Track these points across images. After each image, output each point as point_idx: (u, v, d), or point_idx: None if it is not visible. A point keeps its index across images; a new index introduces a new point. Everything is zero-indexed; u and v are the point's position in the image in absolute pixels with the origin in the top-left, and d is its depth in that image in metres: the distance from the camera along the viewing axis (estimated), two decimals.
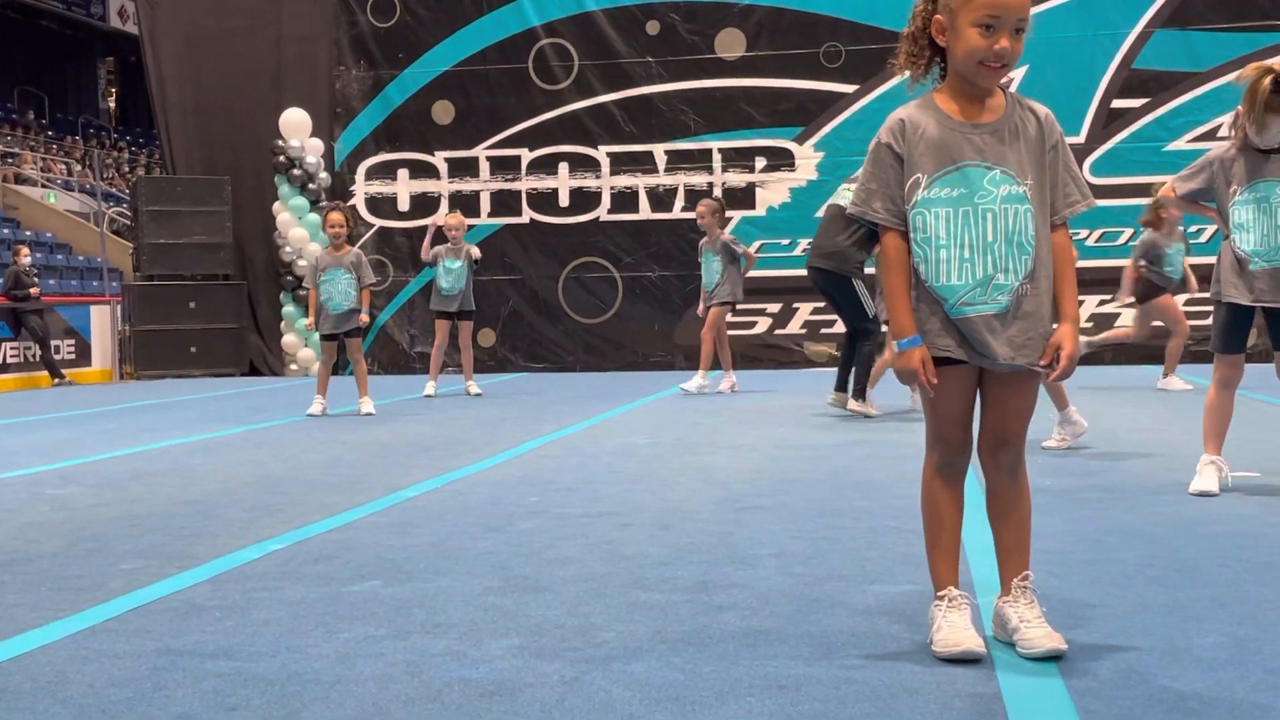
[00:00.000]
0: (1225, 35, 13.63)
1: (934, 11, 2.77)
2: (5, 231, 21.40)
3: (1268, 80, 4.64)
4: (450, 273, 11.14)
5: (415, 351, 15.38)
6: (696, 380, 10.94)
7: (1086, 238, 13.67)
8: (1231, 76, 4.99)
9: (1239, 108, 4.82)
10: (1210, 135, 13.38)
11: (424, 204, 15.49)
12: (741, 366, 14.67)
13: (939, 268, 2.75)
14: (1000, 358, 2.75)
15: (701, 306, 11.07)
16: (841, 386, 8.61)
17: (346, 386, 10.62)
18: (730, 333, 14.94)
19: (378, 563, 3.98)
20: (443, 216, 11.68)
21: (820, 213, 9.98)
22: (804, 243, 14.62)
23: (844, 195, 8.57)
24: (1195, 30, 13.73)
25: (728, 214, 12.88)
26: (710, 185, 14.88)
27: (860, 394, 8.39)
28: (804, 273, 14.27)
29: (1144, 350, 13.90)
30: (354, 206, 15.43)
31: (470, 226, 15.04)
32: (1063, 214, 2.81)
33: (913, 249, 2.78)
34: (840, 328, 13.27)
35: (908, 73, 2.86)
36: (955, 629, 2.77)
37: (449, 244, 11.17)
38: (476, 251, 11.40)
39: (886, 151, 2.79)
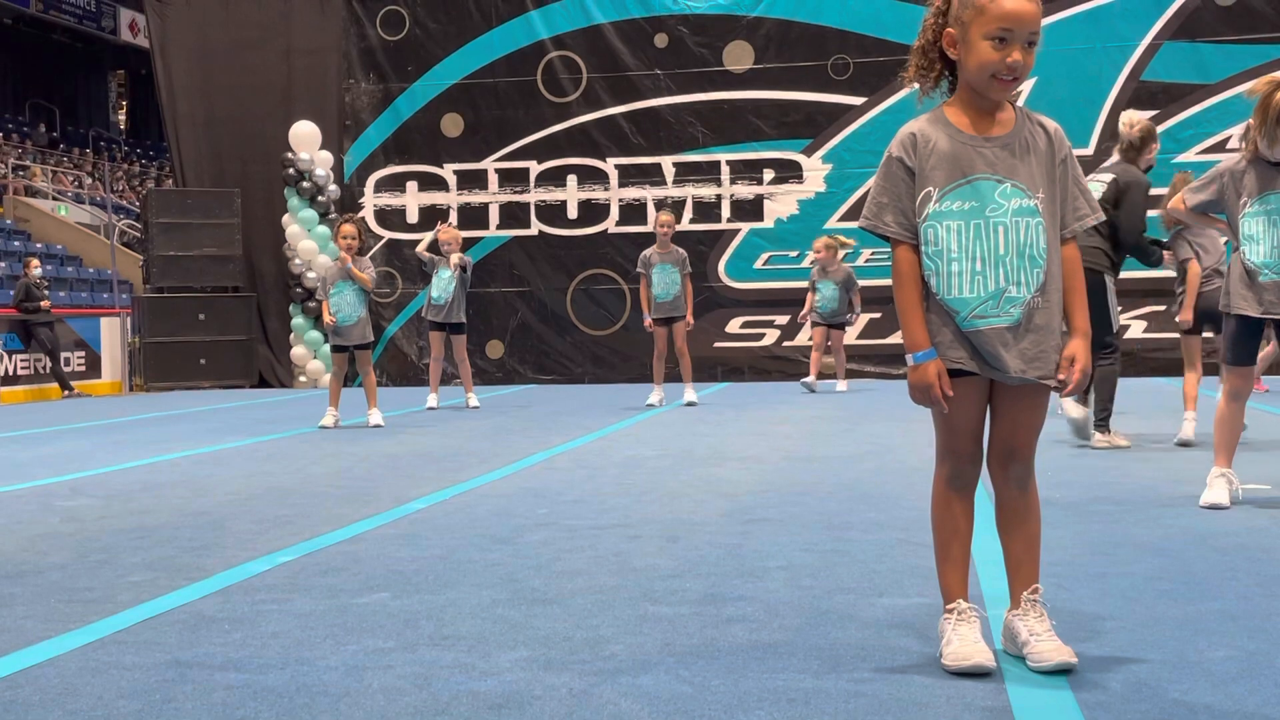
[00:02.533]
0: (1234, 47, 13.63)
1: (945, 25, 2.78)
2: (16, 244, 21.49)
3: None
4: (441, 281, 11.16)
5: (423, 363, 15.37)
6: (690, 394, 11.01)
7: None
8: (1245, 88, 4.99)
9: (1250, 120, 4.82)
10: (1219, 147, 13.37)
11: (433, 216, 15.50)
12: (750, 379, 14.70)
13: (951, 280, 2.75)
14: (1012, 370, 2.75)
15: (650, 319, 10.88)
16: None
17: (357, 398, 10.64)
18: (738, 344, 15.03)
19: (386, 575, 3.98)
20: (445, 227, 11.72)
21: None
22: (811, 255, 14.63)
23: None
24: (1204, 42, 13.72)
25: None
26: (718, 197, 14.90)
27: (1104, 424, 7.05)
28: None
29: (1153, 362, 13.89)
30: (363, 219, 15.48)
31: (479, 239, 15.12)
32: (1072, 227, 2.82)
33: (924, 262, 2.78)
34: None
35: (916, 85, 2.87)
36: (965, 642, 2.77)
37: (443, 255, 11.20)
38: (467, 260, 11.36)
39: (898, 165, 2.80)
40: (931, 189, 2.75)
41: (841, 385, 12.67)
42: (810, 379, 12.57)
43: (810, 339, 13.24)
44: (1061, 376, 2.77)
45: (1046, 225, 2.75)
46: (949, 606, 2.85)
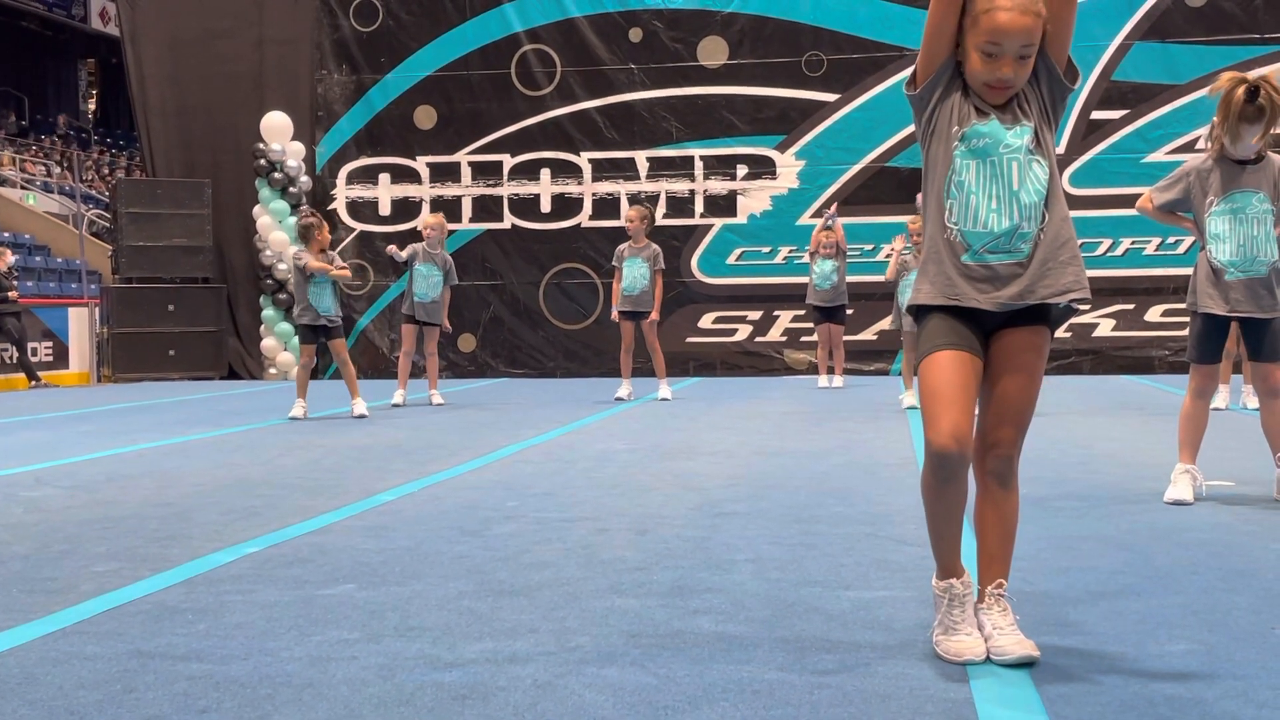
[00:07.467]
0: (1203, 48, 13.73)
1: None
2: None
3: (1241, 90, 4.68)
4: (426, 280, 10.79)
5: (395, 356, 15.32)
6: (665, 390, 11.02)
7: None
8: (1206, 90, 5.02)
9: (1214, 119, 4.86)
10: (1188, 147, 13.47)
11: (405, 208, 15.47)
12: (722, 374, 14.72)
13: (972, 213, 2.80)
14: (1007, 296, 2.78)
15: (617, 311, 10.88)
16: None
17: (324, 390, 10.58)
18: (710, 340, 15.05)
19: (352, 566, 3.96)
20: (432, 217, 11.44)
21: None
22: (784, 250, 14.68)
23: None
24: (1174, 43, 13.82)
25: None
26: (691, 192, 14.90)
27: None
28: (785, 280, 14.41)
29: (1121, 360, 13.99)
30: (334, 210, 15.44)
31: (452, 231, 15.06)
32: None
33: (949, 189, 2.83)
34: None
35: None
36: (958, 634, 2.80)
37: (425, 245, 10.81)
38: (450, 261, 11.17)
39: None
40: (956, 128, 2.81)
41: (838, 381, 12.51)
42: (824, 378, 12.47)
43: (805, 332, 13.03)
44: None
45: (1041, 158, 2.80)
46: (943, 583, 2.86)
